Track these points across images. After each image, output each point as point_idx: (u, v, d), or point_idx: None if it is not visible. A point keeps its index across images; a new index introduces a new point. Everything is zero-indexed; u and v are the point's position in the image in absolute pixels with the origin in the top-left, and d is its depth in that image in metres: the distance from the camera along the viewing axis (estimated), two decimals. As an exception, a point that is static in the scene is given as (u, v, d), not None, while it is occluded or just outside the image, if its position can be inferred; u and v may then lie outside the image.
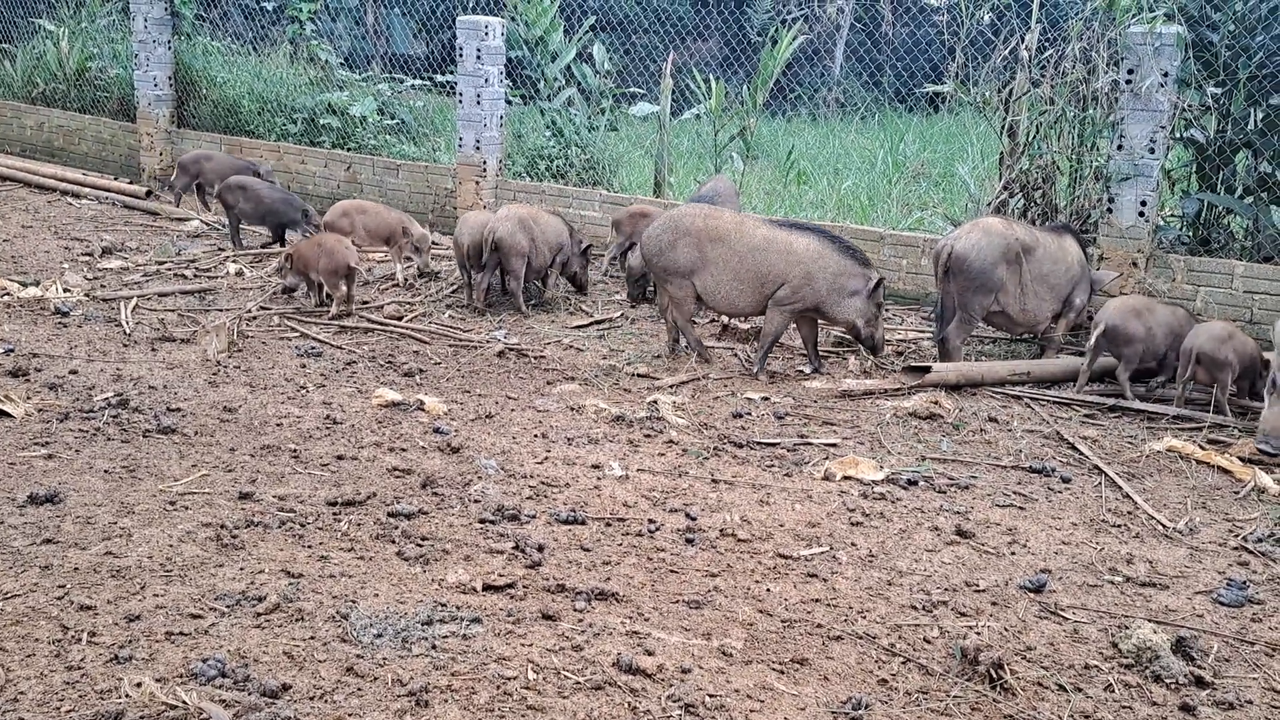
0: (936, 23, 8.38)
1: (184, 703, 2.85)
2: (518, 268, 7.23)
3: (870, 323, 6.25)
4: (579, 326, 7.19)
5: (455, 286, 7.84)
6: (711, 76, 9.44)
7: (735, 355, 6.67)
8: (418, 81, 11.63)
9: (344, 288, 7.03)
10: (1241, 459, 5.15)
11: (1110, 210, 7.06)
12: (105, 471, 4.46)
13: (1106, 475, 4.96)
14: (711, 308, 6.53)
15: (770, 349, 6.35)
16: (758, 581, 3.81)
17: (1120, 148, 6.98)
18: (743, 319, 7.03)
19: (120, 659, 3.07)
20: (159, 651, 3.12)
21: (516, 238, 7.15)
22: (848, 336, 6.71)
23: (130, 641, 3.17)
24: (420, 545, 3.92)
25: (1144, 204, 6.94)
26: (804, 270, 6.13)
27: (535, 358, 6.46)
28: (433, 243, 8.81)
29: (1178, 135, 7.18)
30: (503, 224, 7.17)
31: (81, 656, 3.08)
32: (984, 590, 3.83)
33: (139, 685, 2.90)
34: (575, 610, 3.52)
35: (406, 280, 7.93)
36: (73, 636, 3.18)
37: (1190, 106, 7.08)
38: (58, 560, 3.66)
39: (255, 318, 6.97)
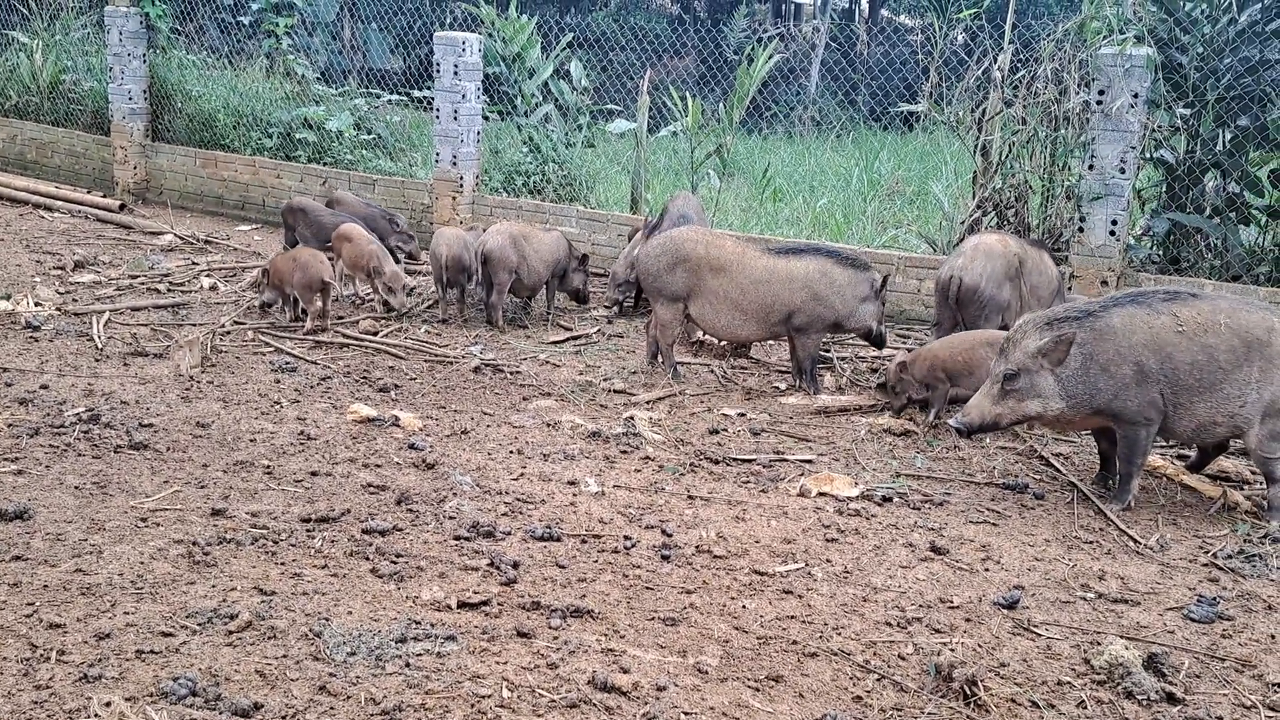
0: (911, 42, 8.46)
1: (154, 722, 2.82)
2: (504, 281, 7.27)
3: (881, 320, 6.38)
4: (556, 342, 7.19)
5: (431, 302, 7.82)
6: (688, 94, 9.49)
7: (712, 371, 6.68)
8: (394, 96, 11.62)
9: (319, 302, 7.00)
10: (1210, 477, 5.21)
11: (1082, 229, 7.14)
12: (76, 487, 4.41)
13: (1079, 492, 5.00)
14: (711, 333, 6.52)
15: (815, 371, 6.36)
16: (733, 598, 3.81)
17: (1091, 167, 7.06)
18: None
19: (90, 678, 3.03)
20: (129, 670, 3.09)
21: (506, 252, 7.20)
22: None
23: (100, 660, 3.13)
24: (394, 562, 3.90)
25: (1115, 223, 7.03)
26: (811, 293, 6.15)
27: (511, 373, 6.45)
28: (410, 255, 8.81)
29: (1148, 155, 7.28)
30: (493, 238, 7.24)
31: (50, 675, 3.04)
32: (958, 607, 3.84)
33: (108, 704, 2.87)
34: (550, 628, 3.51)
35: (387, 306, 7.85)
36: (41, 655, 3.14)
37: (1160, 127, 7.18)
38: (26, 577, 3.61)
39: (229, 332, 6.93)
